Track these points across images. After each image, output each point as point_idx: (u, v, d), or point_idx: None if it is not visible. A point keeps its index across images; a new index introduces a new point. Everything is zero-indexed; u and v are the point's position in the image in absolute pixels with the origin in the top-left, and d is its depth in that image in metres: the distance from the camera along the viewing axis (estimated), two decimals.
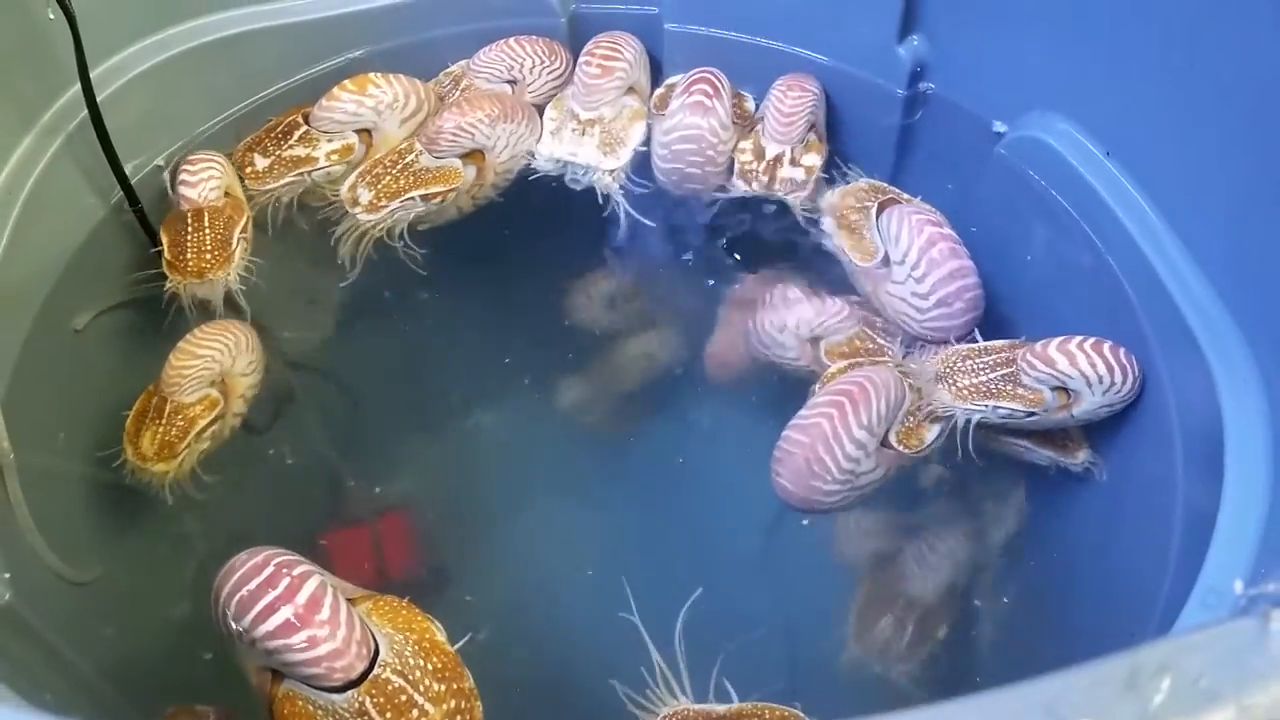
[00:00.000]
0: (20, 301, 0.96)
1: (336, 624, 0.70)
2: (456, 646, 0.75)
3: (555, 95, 1.18)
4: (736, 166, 1.11)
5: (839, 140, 1.16)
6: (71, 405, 1.00)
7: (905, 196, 1.06)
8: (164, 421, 0.95)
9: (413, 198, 1.07)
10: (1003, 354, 0.92)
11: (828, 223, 1.07)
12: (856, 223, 1.04)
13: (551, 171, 1.15)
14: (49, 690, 0.78)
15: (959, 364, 0.92)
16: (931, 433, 0.93)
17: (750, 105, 1.17)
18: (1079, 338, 0.88)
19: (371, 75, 1.11)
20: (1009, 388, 0.90)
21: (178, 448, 0.95)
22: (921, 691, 0.94)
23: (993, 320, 1.00)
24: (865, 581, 1.00)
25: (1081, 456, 0.93)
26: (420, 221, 1.10)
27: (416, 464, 1.14)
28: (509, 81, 1.17)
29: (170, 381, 0.96)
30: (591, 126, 1.14)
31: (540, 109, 1.17)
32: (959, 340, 0.97)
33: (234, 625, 0.71)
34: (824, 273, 1.10)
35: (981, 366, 0.92)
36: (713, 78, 1.10)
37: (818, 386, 0.97)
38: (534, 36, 1.17)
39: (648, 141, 1.14)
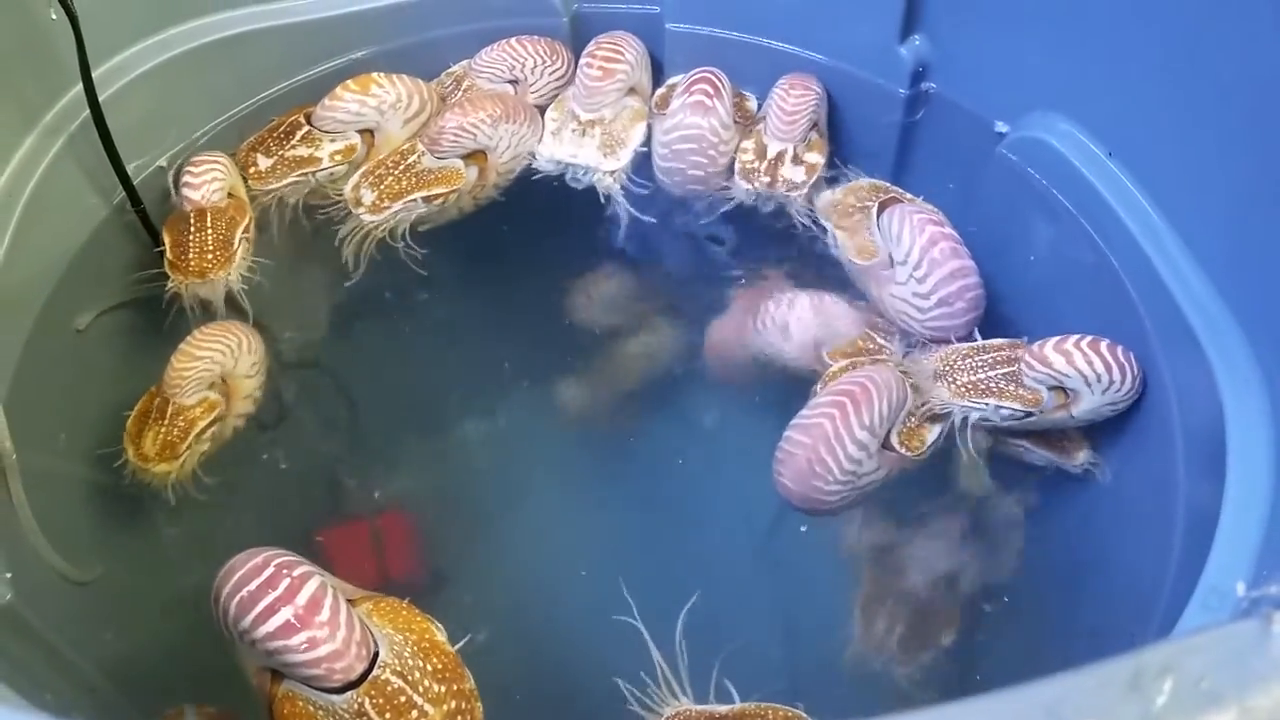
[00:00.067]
0: (22, 302, 0.96)
1: (336, 625, 0.70)
2: (457, 647, 0.74)
3: (557, 95, 1.18)
4: (738, 165, 1.11)
5: (840, 140, 1.16)
6: (73, 405, 1.00)
7: (906, 195, 1.06)
8: (165, 422, 0.95)
9: (415, 199, 1.07)
10: (1002, 353, 0.92)
11: (828, 222, 1.07)
12: (857, 222, 1.04)
13: (553, 172, 1.15)
14: (49, 690, 0.78)
15: (958, 362, 0.92)
16: (932, 434, 0.93)
17: (752, 105, 1.17)
18: (1075, 337, 0.88)
19: (374, 75, 1.11)
20: (1008, 387, 0.90)
21: (179, 449, 0.95)
22: (923, 692, 0.94)
23: (994, 320, 1.00)
24: (866, 581, 1.00)
25: (1081, 457, 0.93)
26: (422, 222, 1.10)
27: (417, 464, 1.14)
28: (511, 81, 1.17)
29: (171, 383, 0.96)
30: (592, 127, 1.14)
31: (542, 109, 1.17)
32: (959, 340, 0.97)
33: (234, 626, 0.71)
34: (825, 272, 1.10)
35: (980, 365, 0.92)
36: (713, 77, 1.10)
37: (819, 386, 0.97)
38: (536, 36, 1.17)
39: (648, 142, 1.14)
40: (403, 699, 0.69)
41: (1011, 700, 0.37)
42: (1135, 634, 0.80)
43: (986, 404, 0.90)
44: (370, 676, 0.70)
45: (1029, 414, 0.89)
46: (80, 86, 0.96)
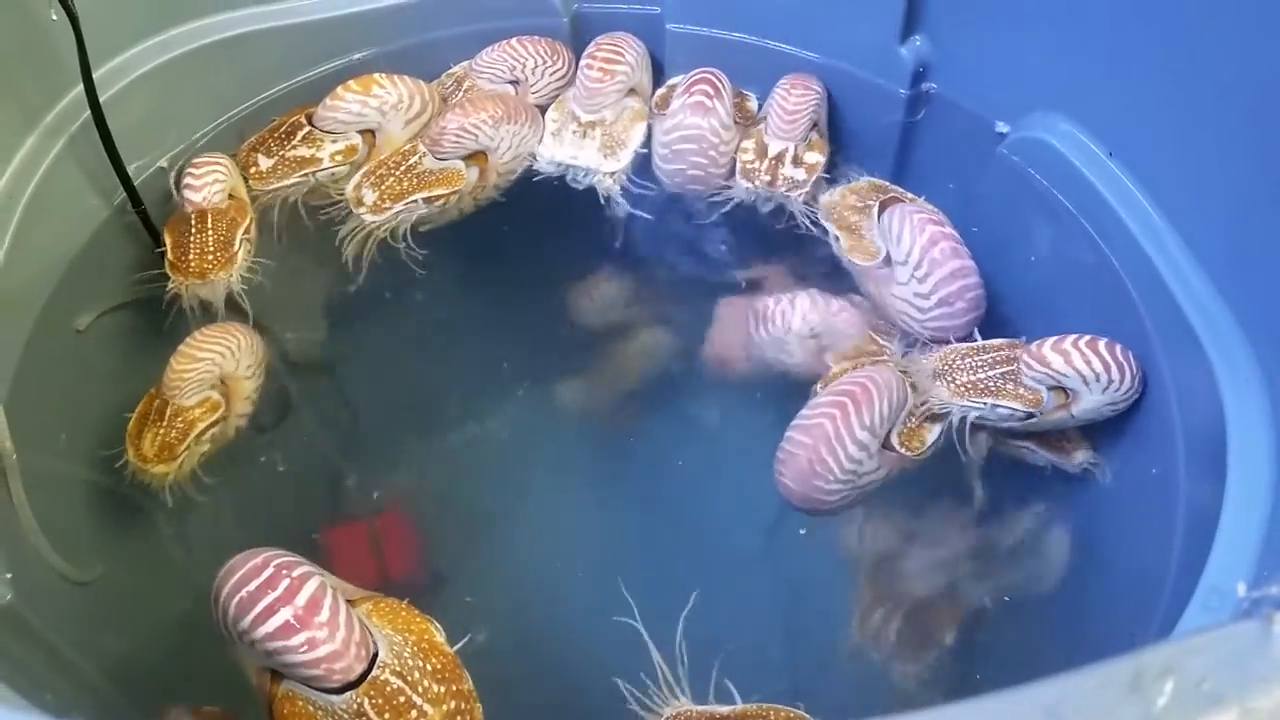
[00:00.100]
0: (23, 302, 0.96)
1: (336, 626, 0.70)
2: (456, 648, 0.74)
3: (558, 95, 1.18)
4: (738, 165, 1.11)
5: (841, 140, 1.16)
6: (73, 406, 1.00)
7: (907, 195, 1.06)
8: (165, 424, 0.95)
9: (416, 200, 1.07)
10: (1001, 352, 0.92)
11: (829, 223, 1.07)
12: (857, 222, 1.04)
13: (553, 174, 1.15)
14: (50, 690, 0.78)
15: (957, 361, 0.92)
16: (932, 434, 0.93)
17: (753, 105, 1.17)
18: (1074, 336, 0.87)
19: (376, 76, 1.11)
20: (1007, 386, 0.90)
21: (178, 450, 0.95)
22: (923, 692, 0.93)
23: (994, 320, 1.00)
24: (866, 581, 1.00)
25: (1082, 458, 0.93)
26: (423, 222, 1.10)
27: (417, 464, 1.14)
28: (511, 82, 1.17)
29: (171, 384, 0.96)
30: (593, 129, 1.14)
31: (543, 109, 1.17)
32: (959, 340, 0.97)
33: (233, 626, 0.71)
34: (825, 272, 1.10)
35: (980, 364, 0.91)
36: (713, 78, 1.10)
37: (820, 386, 0.97)
38: (536, 37, 1.17)
39: (649, 142, 1.14)
40: (402, 699, 0.69)
41: (1012, 701, 0.37)
42: (1135, 634, 0.80)
43: (985, 403, 0.90)
44: (370, 677, 0.70)
45: (1028, 414, 0.89)
46: (81, 87, 0.96)
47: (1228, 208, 0.80)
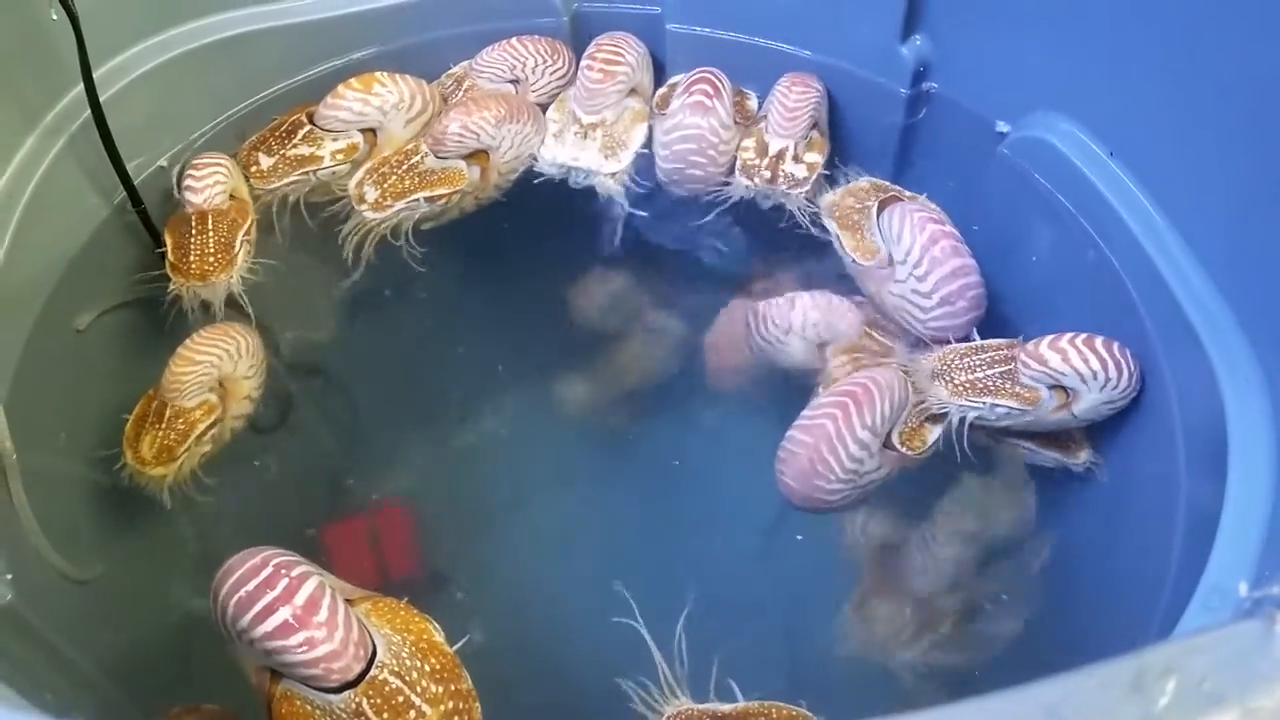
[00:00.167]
0: (22, 302, 0.96)
1: (334, 625, 0.69)
2: (455, 647, 0.74)
3: (558, 95, 1.18)
4: (739, 163, 1.11)
5: (841, 139, 1.16)
6: (73, 405, 1.00)
7: (907, 194, 1.06)
8: (164, 426, 0.95)
9: (418, 199, 1.07)
10: (1000, 352, 0.92)
11: (829, 222, 1.06)
12: (858, 222, 1.04)
13: (555, 175, 1.15)
14: (50, 690, 0.78)
15: (956, 361, 0.92)
16: (933, 433, 0.93)
17: (753, 104, 1.17)
18: (1071, 334, 0.87)
19: (378, 75, 1.11)
20: (1006, 385, 0.90)
21: (177, 452, 0.95)
22: (923, 691, 0.93)
23: (994, 319, 1.00)
24: (867, 579, 1.00)
25: (1083, 457, 0.93)
26: (424, 220, 1.10)
27: (416, 464, 1.14)
28: (512, 81, 1.17)
29: (169, 387, 0.96)
30: (594, 130, 1.14)
31: (543, 108, 1.17)
32: (959, 339, 0.97)
33: (232, 625, 0.71)
34: (826, 272, 1.10)
35: (978, 364, 0.91)
36: (713, 77, 1.10)
37: (821, 386, 0.97)
38: (536, 36, 1.17)
39: (650, 142, 1.14)
40: (400, 699, 0.69)
41: (1013, 700, 0.36)
42: (1136, 633, 0.80)
43: (983, 403, 0.90)
44: (368, 677, 0.70)
45: (1026, 412, 0.89)
46: (81, 87, 0.96)
47: (1228, 207, 0.80)
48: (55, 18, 0.93)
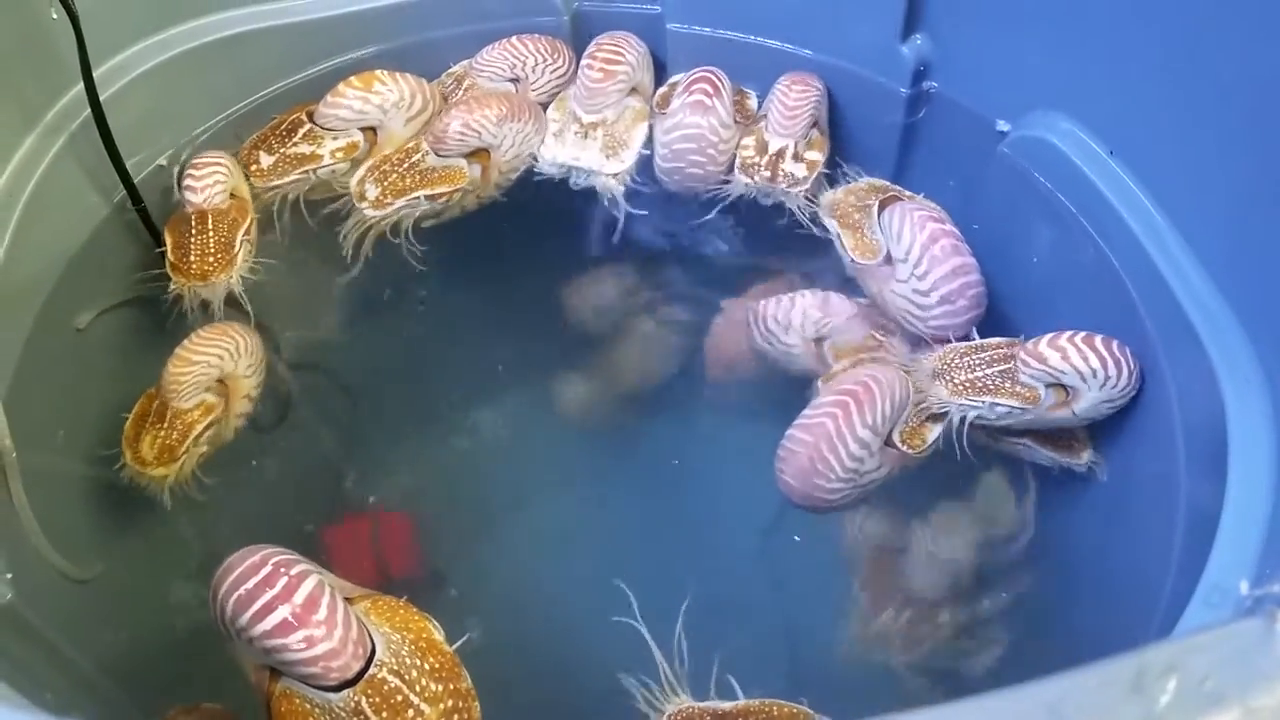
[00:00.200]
0: (22, 300, 0.96)
1: (333, 624, 0.69)
2: (454, 646, 0.74)
3: (558, 94, 1.18)
4: (739, 161, 1.11)
5: (841, 138, 1.16)
6: (73, 404, 1.00)
7: (907, 194, 1.06)
8: (163, 426, 0.95)
9: (418, 197, 1.07)
10: (999, 350, 0.92)
11: (829, 221, 1.06)
12: (858, 220, 1.04)
13: (556, 175, 1.15)
14: (50, 689, 0.78)
15: (955, 360, 0.92)
16: (933, 432, 0.93)
17: (753, 103, 1.17)
18: (1070, 332, 0.87)
19: (378, 73, 1.11)
20: (1005, 384, 0.90)
21: (177, 452, 0.94)
22: (923, 689, 0.93)
23: (994, 318, 1.00)
24: (867, 579, 1.00)
25: (1085, 457, 0.93)
26: (425, 219, 1.10)
27: (416, 463, 1.14)
28: (512, 80, 1.17)
29: (168, 388, 0.95)
30: (594, 129, 1.14)
31: (543, 107, 1.17)
32: (959, 338, 0.97)
33: (231, 623, 0.71)
34: (826, 271, 1.10)
35: (978, 363, 0.91)
36: (713, 77, 1.10)
37: (821, 385, 0.97)
38: (536, 35, 1.17)
39: (650, 142, 1.14)
40: (399, 698, 0.69)
41: (1014, 699, 0.36)
42: (1135, 633, 0.80)
43: (983, 402, 0.90)
44: (367, 675, 0.70)
45: (1025, 411, 0.89)
46: (81, 85, 0.96)
47: (1228, 206, 0.80)
48: (55, 16, 0.93)
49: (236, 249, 1.02)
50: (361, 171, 1.09)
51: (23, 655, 0.78)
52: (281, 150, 1.09)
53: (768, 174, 1.09)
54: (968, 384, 0.91)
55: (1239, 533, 0.68)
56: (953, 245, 0.96)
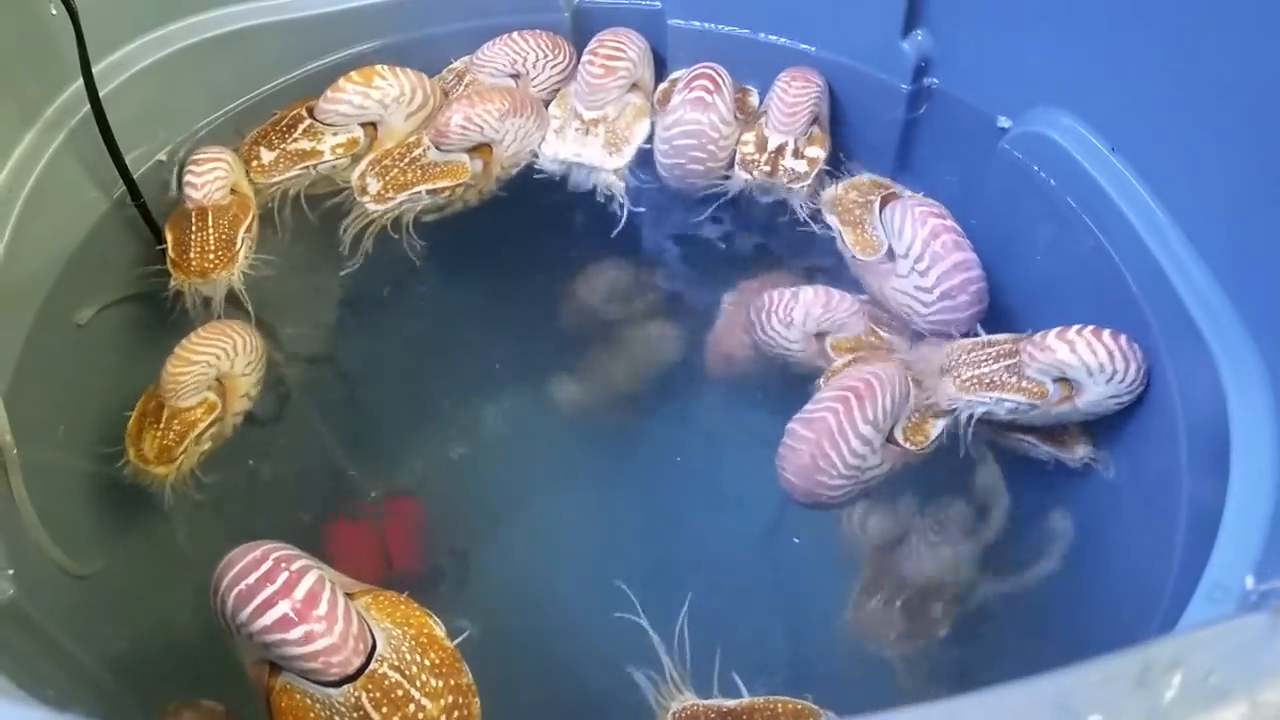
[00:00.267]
0: (23, 296, 0.95)
1: (334, 619, 0.69)
2: (455, 642, 0.74)
3: (559, 89, 1.18)
4: (739, 157, 1.11)
5: (843, 135, 1.16)
6: (74, 400, 0.99)
7: (907, 192, 1.06)
8: (163, 425, 0.95)
9: (419, 191, 1.07)
10: (1006, 346, 0.92)
11: (830, 217, 1.06)
12: (859, 217, 1.04)
13: (557, 172, 1.14)
14: (51, 685, 0.78)
15: (962, 356, 0.92)
16: (936, 428, 0.93)
17: (754, 99, 1.17)
18: (1079, 326, 0.87)
19: (378, 68, 1.10)
20: (1012, 379, 0.89)
21: (176, 451, 0.94)
22: (925, 685, 0.93)
23: (996, 314, 1.00)
24: (868, 574, 1.00)
25: (1084, 452, 0.93)
26: (426, 213, 1.10)
27: (417, 459, 1.14)
28: (513, 76, 1.17)
29: (167, 388, 0.95)
30: (595, 126, 1.14)
31: (545, 103, 1.17)
32: (962, 335, 0.97)
33: (232, 618, 0.71)
34: (827, 267, 1.10)
35: (985, 358, 0.91)
36: (713, 73, 1.10)
37: (823, 381, 0.97)
38: (538, 31, 1.17)
39: (651, 138, 1.14)
40: (400, 693, 0.69)
41: (1019, 694, 0.36)
42: (1137, 631, 0.80)
43: (990, 397, 0.90)
44: (367, 670, 0.70)
45: (1033, 406, 0.89)
46: (80, 81, 0.96)
47: (1230, 202, 0.80)
48: (55, 13, 0.93)
49: (237, 246, 1.02)
50: (363, 166, 1.09)
51: (24, 650, 0.78)
52: (282, 146, 1.09)
53: (768, 170, 1.09)
54: (974, 380, 0.90)
55: (1241, 529, 0.68)
56: (954, 241, 0.95)
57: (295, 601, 0.69)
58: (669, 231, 1.20)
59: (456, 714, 0.70)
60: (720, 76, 1.10)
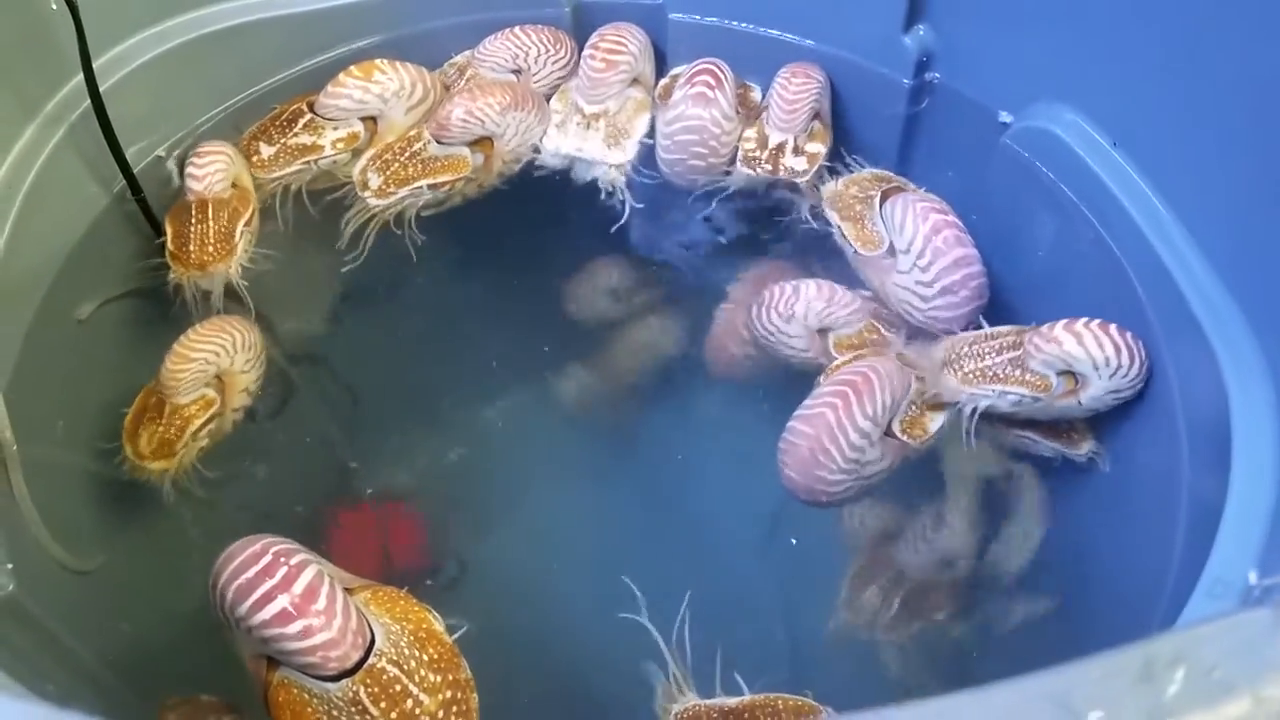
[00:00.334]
0: (23, 292, 0.95)
1: (333, 613, 0.69)
2: (454, 637, 0.74)
3: (560, 85, 1.18)
4: (740, 154, 1.10)
5: (844, 130, 1.16)
6: (75, 396, 0.99)
7: (909, 185, 1.06)
8: (162, 421, 0.95)
9: (420, 186, 1.07)
10: (1009, 338, 0.91)
11: (831, 213, 1.06)
12: (860, 212, 1.04)
13: (558, 167, 1.14)
14: (51, 680, 0.78)
15: (964, 349, 0.92)
16: (935, 422, 0.93)
17: (756, 96, 1.16)
18: (1085, 319, 0.87)
19: (378, 62, 1.10)
20: (1015, 373, 0.89)
21: (175, 447, 0.94)
22: (924, 681, 0.93)
23: (996, 310, 0.99)
24: (867, 569, 1.00)
25: (1085, 447, 0.93)
26: (427, 208, 1.10)
27: (417, 454, 1.14)
28: (514, 71, 1.16)
29: (166, 384, 0.95)
30: (596, 120, 1.13)
31: (545, 98, 1.17)
32: (963, 329, 0.97)
33: (231, 612, 0.71)
34: (828, 263, 1.09)
35: (988, 351, 0.91)
36: (715, 68, 1.10)
37: (823, 378, 0.97)
38: (539, 26, 1.17)
39: (652, 133, 1.14)
40: (398, 688, 0.69)
41: (1020, 690, 0.36)
42: (1138, 626, 0.80)
43: (994, 391, 0.89)
44: (366, 665, 0.70)
45: (1036, 400, 0.89)
46: (81, 76, 0.95)
47: (1232, 198, 0.80)
48: (55, 7, 0.93)
49: (237, 239, 1.02)
50: (364, 161, 1.09)
51: (24, 646, 0.78)
52: (282, 141, 1.09)
53: (769, 167, 1.09)
54: (977, 373, 0.90)
55: (1242, 525, 0.68)
56: (955, 236, 0.95)
57: (294, 596, 0.69)
58: (670, 227, 1.20)
59: (454, 709, 0.70)
60: (722, 72, 1.10)
